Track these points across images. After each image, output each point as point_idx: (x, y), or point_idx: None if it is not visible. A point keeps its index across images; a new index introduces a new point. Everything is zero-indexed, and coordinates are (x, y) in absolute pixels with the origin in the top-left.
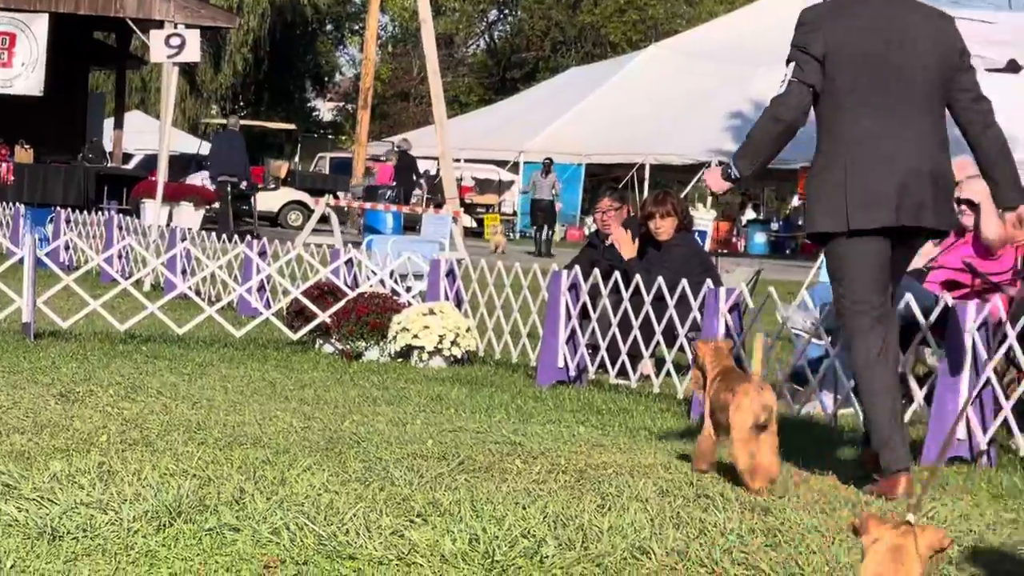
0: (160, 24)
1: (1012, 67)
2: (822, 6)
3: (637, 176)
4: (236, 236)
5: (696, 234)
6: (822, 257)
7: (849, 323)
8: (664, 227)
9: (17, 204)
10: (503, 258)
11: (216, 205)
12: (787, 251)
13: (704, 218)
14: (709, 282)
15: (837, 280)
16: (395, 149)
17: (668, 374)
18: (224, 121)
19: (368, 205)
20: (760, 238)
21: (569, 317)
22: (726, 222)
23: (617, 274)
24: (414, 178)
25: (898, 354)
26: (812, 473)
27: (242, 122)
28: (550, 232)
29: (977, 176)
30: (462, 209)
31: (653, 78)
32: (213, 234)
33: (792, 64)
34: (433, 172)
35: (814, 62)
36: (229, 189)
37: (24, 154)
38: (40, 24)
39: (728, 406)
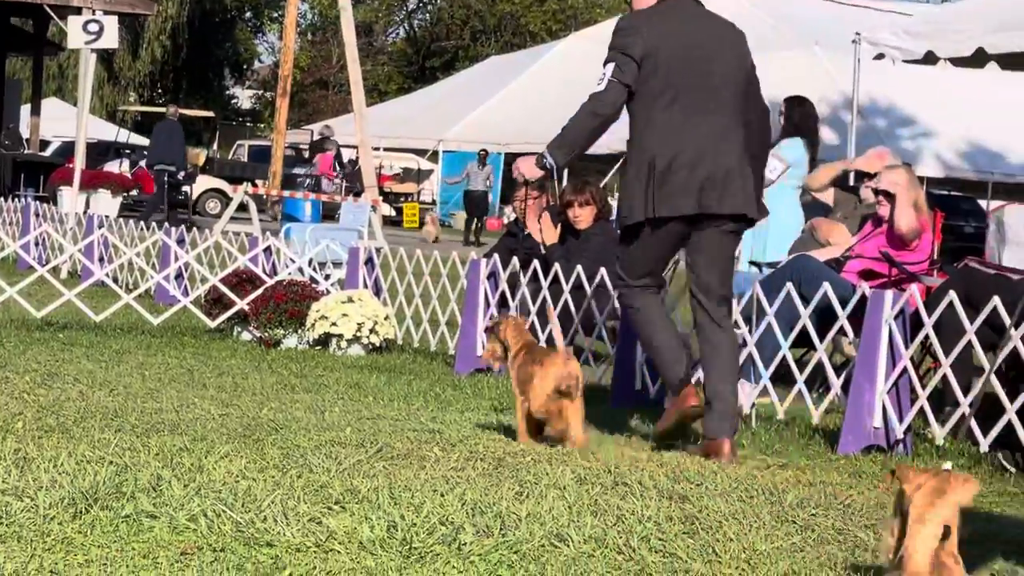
0: (78, 10)
1: (929, 59)
2: (639, 14)
3: None
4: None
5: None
6: (740, 247)
7: (637, 299)
8: (582, 216)
9: None
10: (438, 247)
11: (134, 192)
12: None
13: None
14: None
15: (629, 259)
16: (330, 137)
17: (587, 362)
18: (163, 110)
19: (287, 193)
20: None
21: (488, 305)
22: None
23: (536, 263)
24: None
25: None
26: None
27: (158, 109)
28: (480, 223)
29: (896, 167)
30: (381, 198)
31: (572, 67)
32: (131, 221)
33: (611, 65)
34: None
35: (633, 64)
36: (166, 178)
37: None
38: None
39: (534, 376)
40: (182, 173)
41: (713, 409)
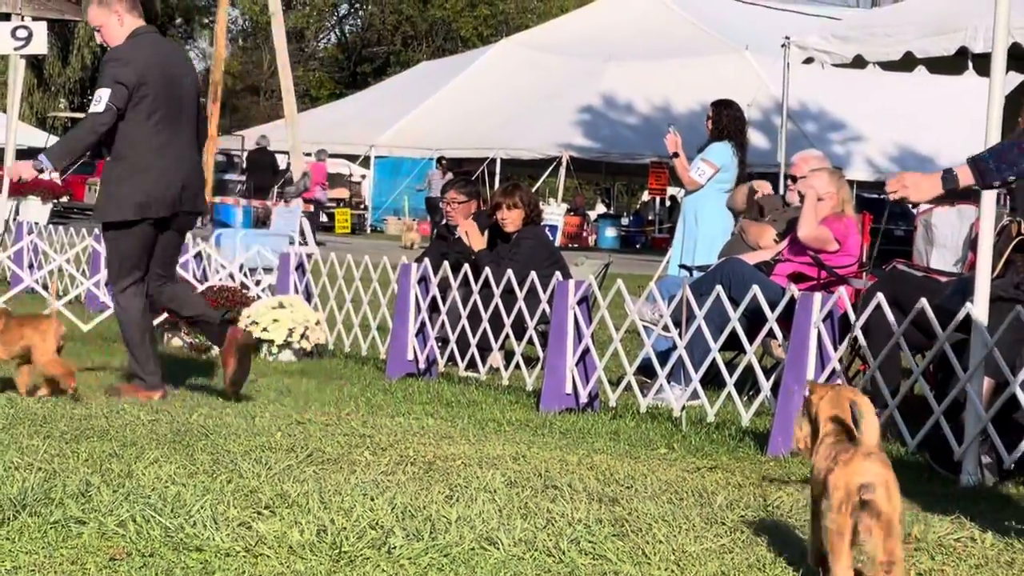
0: (7, 16)
1: (858, 63)
2: (125, 47)
3: (488, 170)
4: None
5: (547, 228)
6: (671, 251)
7: (128, 293)
8: (511, 218)
9: None
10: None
11: (64, 199)
12: (637, 245)
13: (555, 212)
14: (558, 274)
15: (120, 259)
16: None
17: (517, 366)
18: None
19: (217, 199)
20: (610, 232)
21: (419, 310)
22: (576, 216)
23: (467, 267)
24: (272, 174)
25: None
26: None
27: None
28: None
29: (821, 170)
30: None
31: (504, 73)
32: (61, 228)
33: (109, 91)
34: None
35: (125, 90)
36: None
37: None
38: None
39: None
40: None
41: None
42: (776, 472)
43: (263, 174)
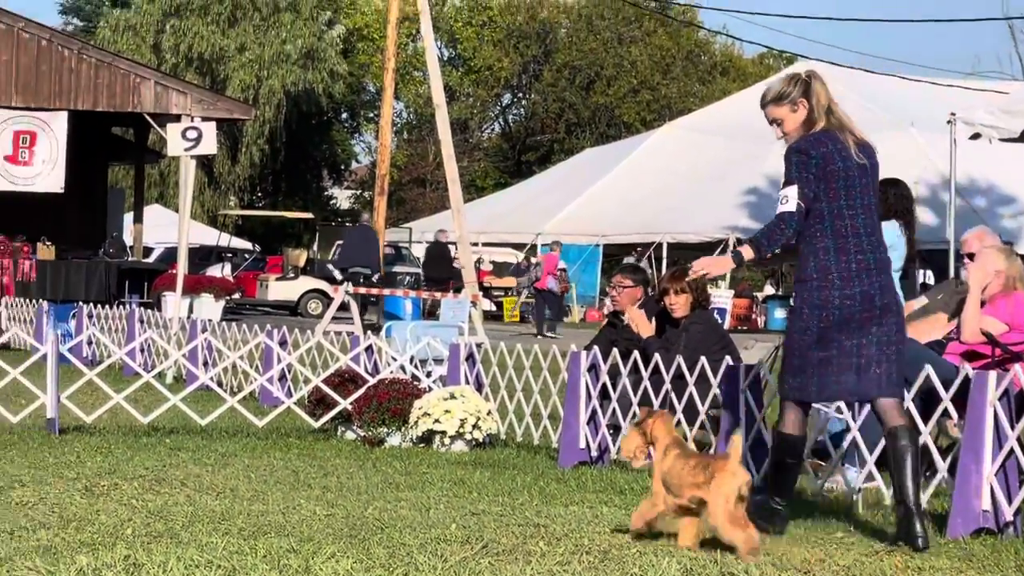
0: (177, 118)
1: None
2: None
3: (655, 255)
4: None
5: (715, 312)
6: None
7: None
8: (679, 304)
9: (40, 301)
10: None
11: (236, 296)
12: None
13: (723, 295)
14: (728, 359)
15: None
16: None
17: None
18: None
19: (386, 291)
20: (780, 314)
21: (589, 398)
22: (745, 299)
23: (636, 353)
24: (449, 266)
25: None
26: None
27: (258, 212)
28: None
29: (993, 247)
30: (481, 293)
31: (668, 157)
32: (234, 324)
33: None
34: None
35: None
36: (362, 280)
37: (46, 251)
38: (60, 122)
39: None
40: (376, 276)
41: None
42: (957, 554)
43: (440, 266)
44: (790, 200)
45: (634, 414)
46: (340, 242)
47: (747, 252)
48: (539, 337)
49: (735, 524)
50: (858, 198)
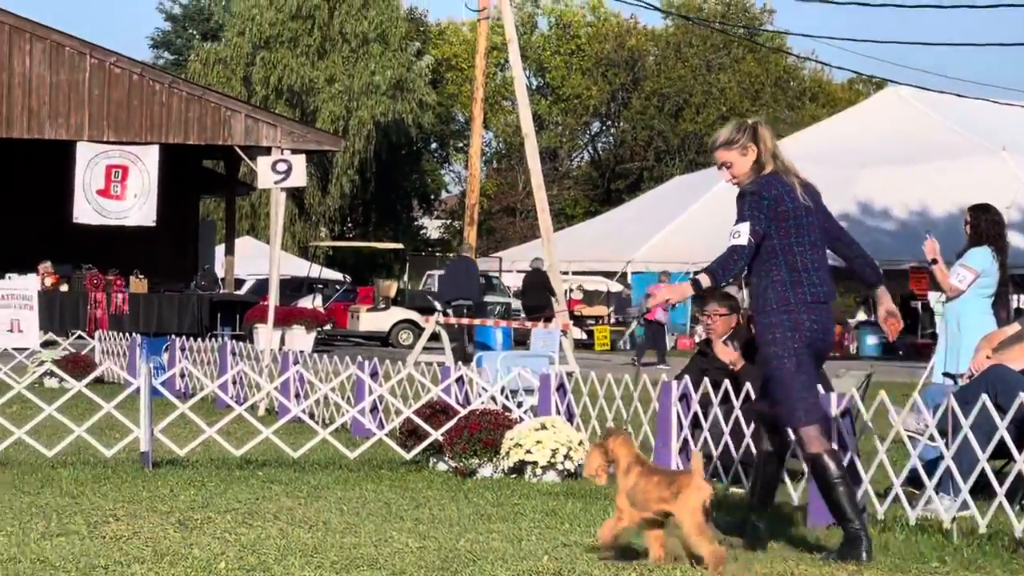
0: (267, 150)
1: None
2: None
3: (745, 282)
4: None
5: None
6: (934, 359)
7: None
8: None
9: (133, 334)
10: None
11: (328, 327)
12: (900, 352)
13: None
14: (819, 387)
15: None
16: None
17: (782, 481)
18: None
19: (477, 321)
20: (872, 340)
21: (680, 427)
22: (837, 325)
23: (727, 382)
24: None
25: None
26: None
27: (349, 243)
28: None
29: None
30: (571, 321)
31: None
32: (325, 356)
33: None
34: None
35: None
36: (465, 312)
37: (139, 284)
38: (151, 156)
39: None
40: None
41: None
42: None
43: (538, 294)
44: (742, 235)
45: (726, 444)
46: (441, 274)
47: (704, 280)
48: (638, 366)
49: (703, 536)
50: (806, 236)
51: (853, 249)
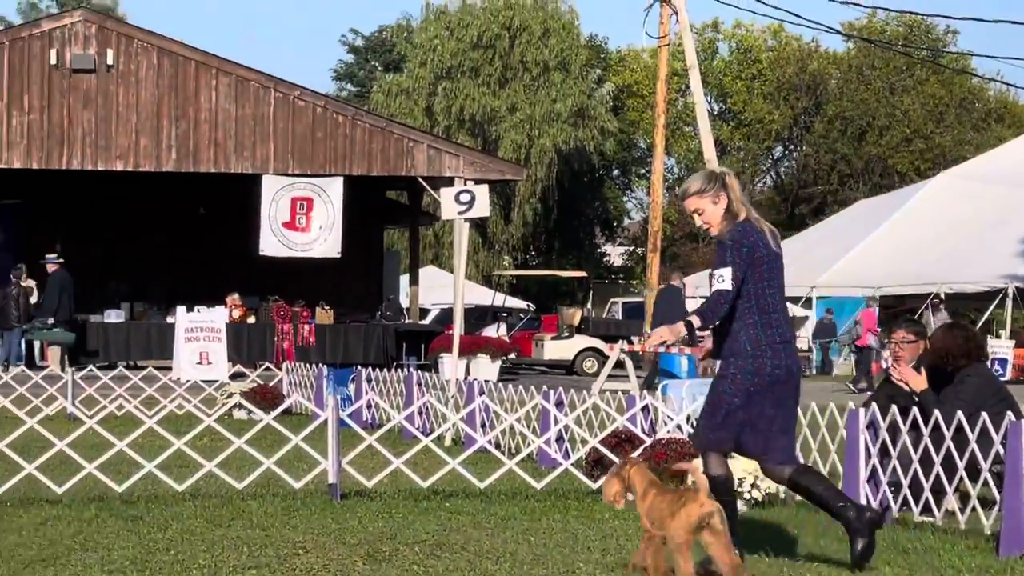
0: (450, 181)
1: None
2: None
3: (933, 306)
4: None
5: (996, 362)
6: None
7: None
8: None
9: (320, 365)
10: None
11: (512, 356)
12: None
13: (1003, 346)
14: (1010, 414)
15: None
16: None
17: (973, 509)
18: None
19: (661, 349)
20: None
21: (869, 455)
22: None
23: (915, 410)
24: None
25: None
26: None
27: (532, 272)
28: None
29: None
30: None
31: (943, 206)
32: (511, 386)
33: None
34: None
35: None
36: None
37: (325, 315)
38: (335, 187)
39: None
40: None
41: None
42: None
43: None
44: (726, 280)
45: (915, 471)
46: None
47: (696, 321)
48: (856, 391)
49: (683, 553)
50: (776, 280)
51: None
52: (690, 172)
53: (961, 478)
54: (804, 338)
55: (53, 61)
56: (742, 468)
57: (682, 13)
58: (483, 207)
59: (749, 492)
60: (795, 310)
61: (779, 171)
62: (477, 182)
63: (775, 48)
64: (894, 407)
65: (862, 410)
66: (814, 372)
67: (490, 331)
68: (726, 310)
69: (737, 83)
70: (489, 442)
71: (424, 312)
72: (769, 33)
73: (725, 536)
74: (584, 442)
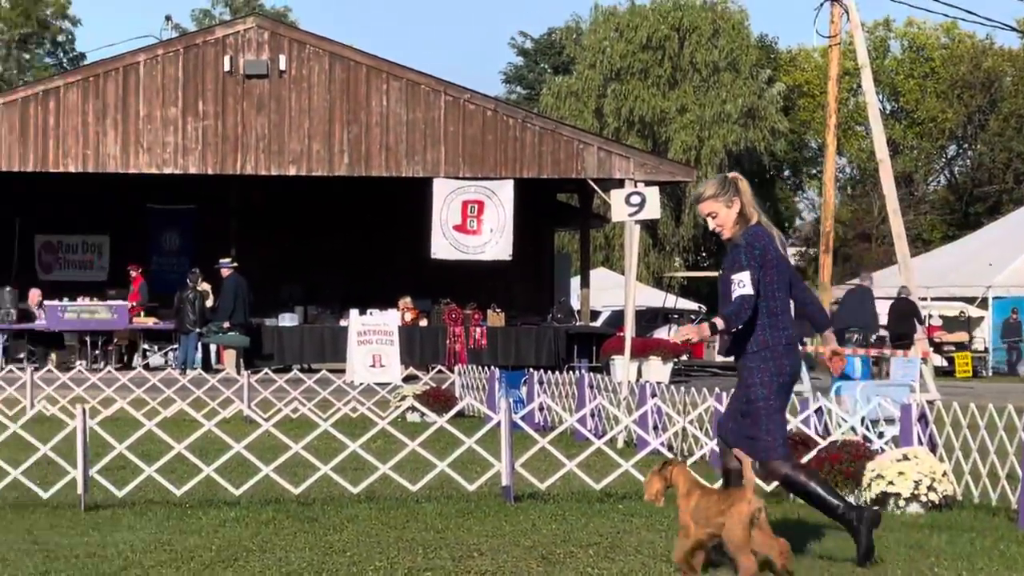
0: (620, 183)
1: None
2: None
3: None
4: None
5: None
6: None
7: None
8: None
9: (492, 368)
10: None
11: (684, 357)
12: None
13: None
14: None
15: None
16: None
17: None
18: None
19: (848, 351)
20: None
21: None
22: None
23: None
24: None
25: None
26: None
27: (703, 273)
28: None
29: None
30: (931, 348)
31: None
32: (682, 388)
33: None
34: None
35: None
36: (855, 340)
37: (496, 318)
38: (506, 190)
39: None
40: (874, 336)
41: None
42: None
43: (905, 322)
44: (746, 284)
45: None
46: (836, 302)
47: (720, 323)
48: None
49: (742, 548)
50: (783, 283)
51: (806, 295)
52: (862, 172)
53: None
54: (980, 339)
55: (227, 67)
56: (917, 471)
57: (853, 12)
58: (654, 209)
59: (926, 495)
60: (971, 311)
61: (953, 170)
62: (647, 184)
63: (948, 45)
64: None
65: None
66: (990, 373)
67: (661, 333)
68: (749, 314)
69: (909, 81)
70: (662, 444)
71: (595, 314)
72: (942, 30)
73: (768, 527)
74: None
